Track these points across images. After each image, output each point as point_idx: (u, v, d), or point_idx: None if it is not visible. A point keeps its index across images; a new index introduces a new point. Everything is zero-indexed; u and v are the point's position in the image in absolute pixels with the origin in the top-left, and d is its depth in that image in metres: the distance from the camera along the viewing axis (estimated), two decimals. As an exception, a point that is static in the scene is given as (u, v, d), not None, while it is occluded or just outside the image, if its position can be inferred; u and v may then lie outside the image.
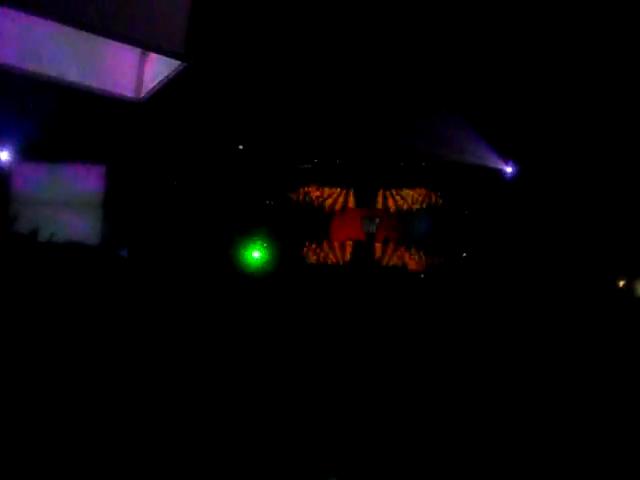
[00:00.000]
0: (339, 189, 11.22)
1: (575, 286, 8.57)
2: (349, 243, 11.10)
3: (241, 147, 10.81)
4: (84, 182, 11.07)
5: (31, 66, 8.50)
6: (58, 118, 9.88)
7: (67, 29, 8.04)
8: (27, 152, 10.70)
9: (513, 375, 5.51)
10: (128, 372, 4.99)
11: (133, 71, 9.20)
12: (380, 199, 11.16)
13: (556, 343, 6.44)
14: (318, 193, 11.24)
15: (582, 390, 5.11)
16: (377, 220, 10.91)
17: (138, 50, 8.70)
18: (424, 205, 10.99)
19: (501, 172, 10.28)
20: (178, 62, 8.38)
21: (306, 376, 5.14)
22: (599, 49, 8.86)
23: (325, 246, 11.12)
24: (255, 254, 10.84)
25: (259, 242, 10.83)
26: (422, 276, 10.61)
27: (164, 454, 3.48)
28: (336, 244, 11.12)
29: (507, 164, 10.29)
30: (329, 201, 11.25)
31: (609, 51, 8.85)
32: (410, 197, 11.03)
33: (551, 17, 8.50)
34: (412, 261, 10.88)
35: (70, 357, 5.13)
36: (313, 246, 11.07)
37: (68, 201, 11.04)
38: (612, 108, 9.39)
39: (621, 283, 9.54)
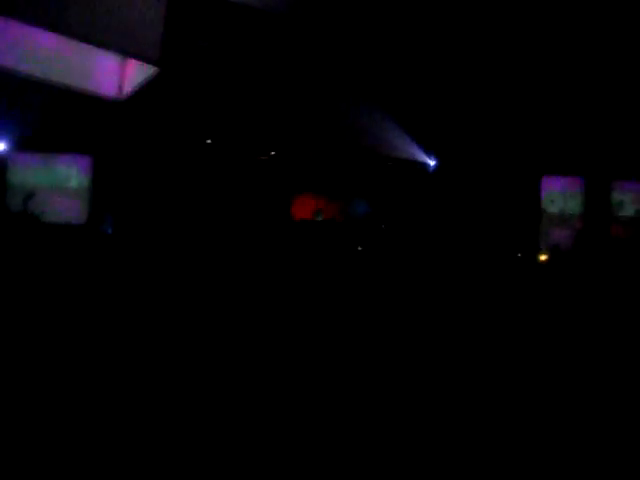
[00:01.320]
0: (293, 177, 11.71)
1: (481, 260, 9.36)
2: (304, 222, 11.61)
3: (209, 141, 11.28)
4: (72, 170, 11.46)
5: (26, 68, 8.92)
6: (50, 115, 10.20)
7: (58, 37, 8.50)
8: (23, 144, 11.03)
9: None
10: (111, 345, 4.63)
11: (115, 74, 9.65)
12: (328, 185, 11.70)
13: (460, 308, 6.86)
14: (275, 181, 11.72)
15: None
16: (322, 211, 11.63)
17: (119, 56, 9.16)
18: (363, 191, 11.60)
19: (425, 165, 11.08)
20: (154, 67, 8.90)
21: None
22: (515, 52, 9.16)
23: (284, 225, 11.62)
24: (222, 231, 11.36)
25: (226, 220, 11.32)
26: (359, 249, 11.27)
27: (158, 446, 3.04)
28: (293, 223, 11.63)
29: (430, 158, 11.08)
30: (285, 187, 11.73)
31: (525, 54, 9.17)
32: (351, 184, 11.64)
33: (472, 21, 8.69)
34: (353, 237, 11.50)
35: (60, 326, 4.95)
36: (274, 224, 11.54)
37: (58, 186, 11.42)
38: (519, 110, 10.12)
39: (519, 254, 10.40)
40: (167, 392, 3.72)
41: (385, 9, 8.57)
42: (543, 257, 10.34)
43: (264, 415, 3.47)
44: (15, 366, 3.99)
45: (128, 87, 9.64)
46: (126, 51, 8.73)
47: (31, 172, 11.32)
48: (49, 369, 4.04)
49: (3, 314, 5.15)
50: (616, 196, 10.54)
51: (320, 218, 11.66)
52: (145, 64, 9.16)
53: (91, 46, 8.72)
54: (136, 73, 9.55)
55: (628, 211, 10.57)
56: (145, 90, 9.45)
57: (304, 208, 11.66)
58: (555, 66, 9.27)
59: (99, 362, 4.23)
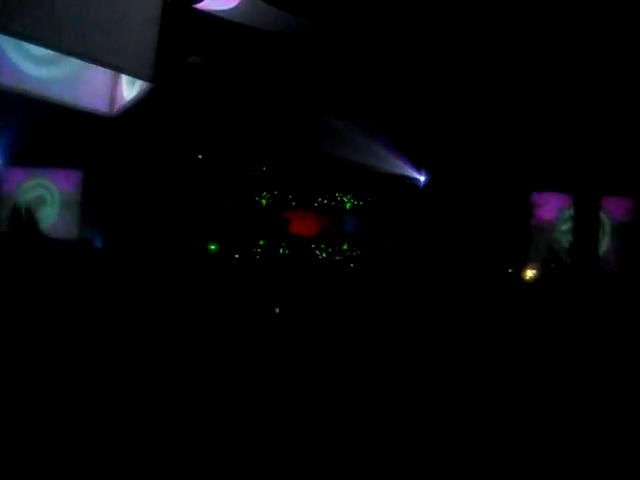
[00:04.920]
0: (284, 193, 11.65)
1: (472, 272, 9.34)
2: (293, 238, 11.53)
3: (200, 157, 11.17)
4: (63, 185, 11.35)
5: (17, 83, 8.79)
6: (41, 130, 10.08)
7: (49, 52, 8.37)
8: (13, 159, 10.91)
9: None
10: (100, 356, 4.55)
11: (107, 90, 9.53)
12: (319, 201, 11.64)
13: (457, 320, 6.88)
14: (267, 196, 11.66)
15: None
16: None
17: (111, 72, 9.05)
18: (354, 207, 11.56)
19: (416, 180, 11.06)
20: (147, 83, 8.79)
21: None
22: (506, 67, 9.15)
23: (272, 241, 11.54)
24: (213, 248, 11.27)
25: (217, 238, 11.24)
26: (351, 265, 11.21)
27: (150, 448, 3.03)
28: (281, 239, 11.54)
29: (420, 173, 11.06)
30: (276, 203, 11.67)
31: (516, 68, 9.14)
32: (343, 200, 11.59)
33: (463, 39, 8.67)
34: (345, 253, 11.43)
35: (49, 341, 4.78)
36: (262, 241, 11.47)
37: (49, 201, 11.26)
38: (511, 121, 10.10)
39: (510, 270, 10.37)
40: (164, 401, 3.67)
41: (377, 27, 8.53)
42: (530, 273, 10.30)
43: (264, 418, 3.43)
44: (13, 375, 3.86)
45: (120, 103, 9.53)
46: (118, 67, 8.59)
47: (21, 187, 11.16)
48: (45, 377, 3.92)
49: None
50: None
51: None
52: (137, 80, 9.03)
53: (83, 62, 8.60)
54: (128, 89, 9.44)
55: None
56: (137, 106, 9.33)
57: (296, 224, 11.57)
58: (546, 81, 9.28)
59: (96, 371, 4.13)
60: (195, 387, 4.01)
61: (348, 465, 3.00)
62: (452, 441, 3.45)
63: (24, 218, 9.29)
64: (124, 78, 8.83)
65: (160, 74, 8.66)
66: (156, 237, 10.26)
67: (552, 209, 10.86)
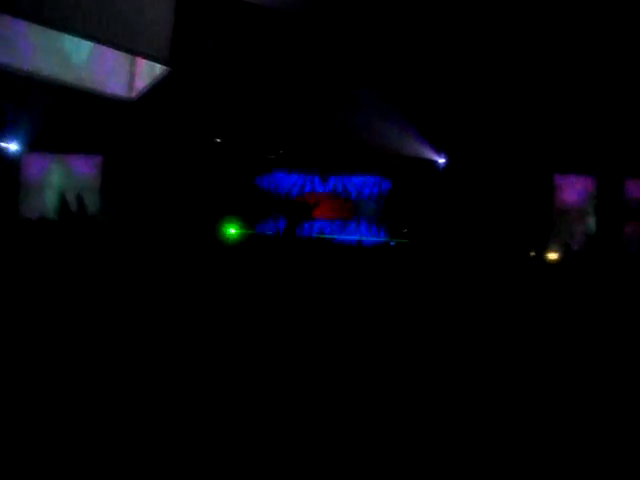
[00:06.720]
0: (302, 175, 11.62)
1: (493, 255, 9.23)
2: (311, 221, 11.49)
3: (218, 140, 11.18)
4: (83, 169, 11.45)
5: (38, 68, 8.86)
6: (62, 115, 10.16)
7: (71, 38, 8.43)
8: (35, 144, 11.02)
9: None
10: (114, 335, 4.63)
11: (126, 74, 9.59)
12: (337, 184, 11.60)
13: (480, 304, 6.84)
14: (284, 179, 11.64)
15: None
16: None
17: (130, 57, 9.09)
18: (373, 189, 11.49)
19: (435, 162, 10.95)
20: (164, 67, 8.83)
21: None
22: (526, 47, 9.05)
23: (289, 224, 11.53)
24: (232, 230, 11.30)
25: (235, 220, 11.27)
26: (372, 248, 11.16)
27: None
28: (299, 222, 11.53)
29: (440, 156, 10.94)
30: (293, 185, 11.65)
31: (537, 50, 9.06)
32: (361, 182, 11.53)
33: (483, 17, 8.64)
34: (364, 235, 11.39)
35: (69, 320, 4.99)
36: (279, 223, 11.47)
37: (69, 186, 11.36)
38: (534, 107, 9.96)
39: (532, 254, 10.21)
40: (166, 392, 3.67)
41: (398, 9, 8.43)
42: (553, 256, 10.15)
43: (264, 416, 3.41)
44: (15, 365, 3.89)
45: (138, 87, 9.58)
46: (136, 51, 8.66)
47: (42, 172, 11.31)
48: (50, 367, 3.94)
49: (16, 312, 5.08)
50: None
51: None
52: (155, 64, 9.08)
53: (101, 46, 8.66)
54: (146, 73, 9.49)
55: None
56: (155, 90, 9.38)
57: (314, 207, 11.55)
58: (568, 62, 9.10)
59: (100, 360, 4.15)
60: (199, 378, 4.00)
61: (351, 464, 2.94)
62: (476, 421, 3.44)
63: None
64: (143, 61, 8.86)
65: (177, 57, 8.70)
66: (173, 220, 10.31)
67: (575, 191, 10.69)
